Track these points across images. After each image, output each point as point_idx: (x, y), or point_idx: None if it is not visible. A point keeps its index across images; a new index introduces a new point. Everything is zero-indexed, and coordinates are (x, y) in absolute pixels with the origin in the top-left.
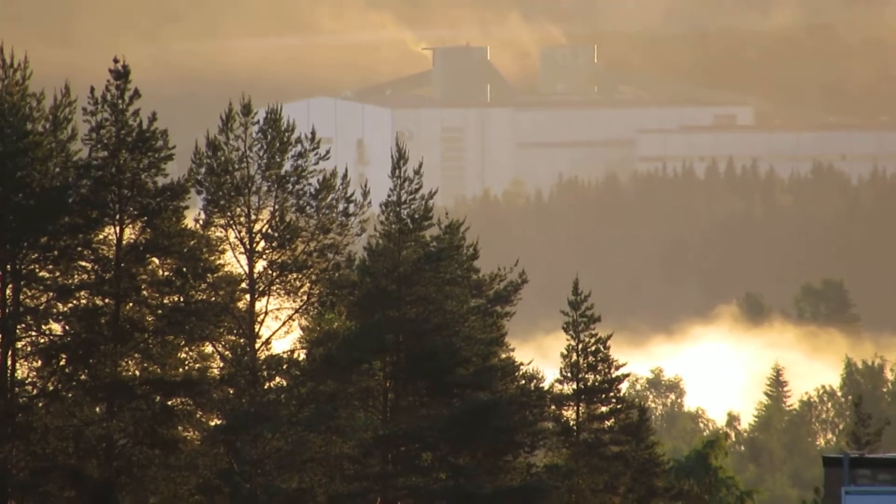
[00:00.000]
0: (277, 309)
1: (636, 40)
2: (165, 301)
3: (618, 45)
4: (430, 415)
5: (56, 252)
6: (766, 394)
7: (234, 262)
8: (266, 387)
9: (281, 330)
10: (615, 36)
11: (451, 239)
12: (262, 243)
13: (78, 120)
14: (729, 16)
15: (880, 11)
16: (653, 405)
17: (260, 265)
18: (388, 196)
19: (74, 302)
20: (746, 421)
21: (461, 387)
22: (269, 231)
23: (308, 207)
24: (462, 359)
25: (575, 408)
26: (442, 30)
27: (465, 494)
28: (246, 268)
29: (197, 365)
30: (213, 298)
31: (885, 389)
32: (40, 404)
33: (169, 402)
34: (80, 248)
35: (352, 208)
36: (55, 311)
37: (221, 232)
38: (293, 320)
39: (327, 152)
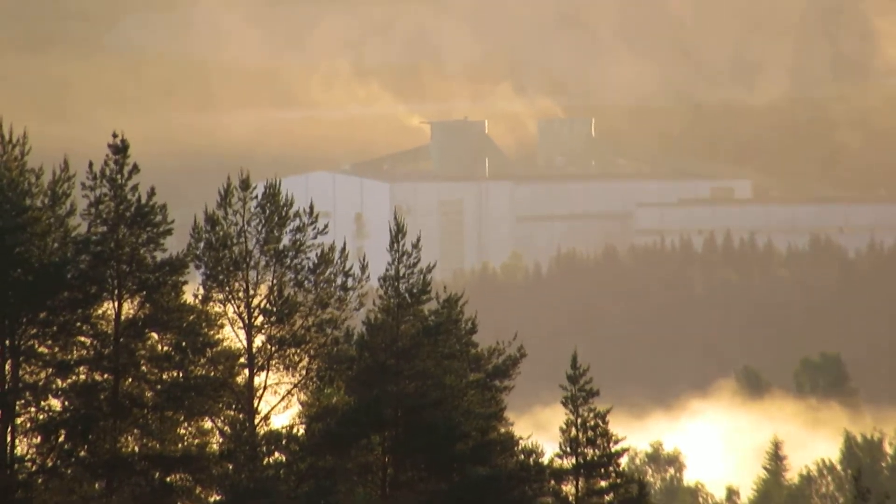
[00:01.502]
0: (276, 384)
1: (632, 113)
2: (164, 376)
3: (615, 118)
4: (430, 490)
5: (55, 327)
6: (765, 468)
7: (232, 336)
8: (265, 462)
9: (280, 405)
10: (612, 108)
11: (450, 313)
12: (261, 318)
13: (77, 195)
14: (721, 89)
15: (867, 85)
16: (652, 479)
17: (259, 340)
18: (387, 270)
19: (73, 377)
20: (746, 495)
21: (460, 461)
22: (268, 306)
23: (306, 282)
24: (461, 433)
25: (574, 483)
26: (434, 103)
27: None
28: (245, 342)
29: (196, 440)
30: (212, 373)
31: (884, 464)
32: (39, 481)
33: (168, 479)
34: (78, 324)
35: (350, 282)
36: (54, 386)
37: (220, 307)
38: (292, 395)
39: (326, 226)
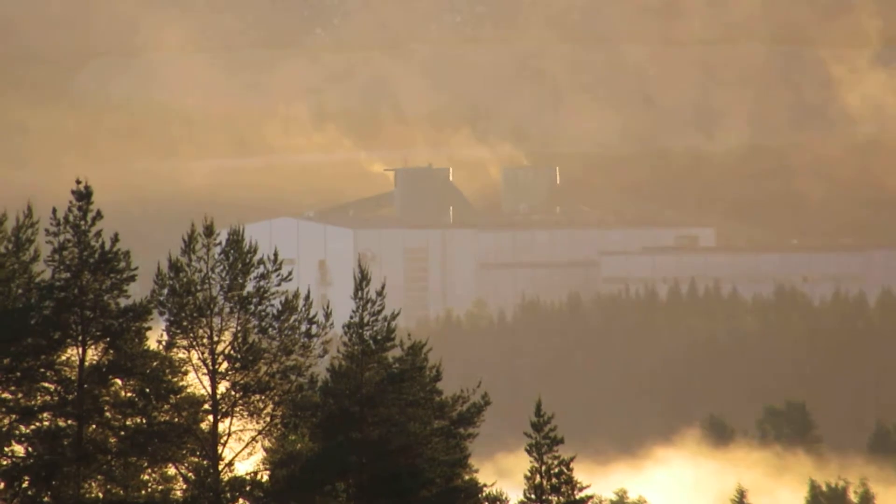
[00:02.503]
0: (241, 430)
1: (596, 161)
2: (128, 422)
3: (579, 166)
4: None
5: (18, 373)
6: None
7: (196, 383)
8: None
9: (244, 451)
10: (575, 157)
11: (414, 360)
12: (225, 364)
13: (40, 241)
14: (682, 136)
15: (828, 133)
16: None
17: (223, 386)
18: (351, 317)
19: (37, 423)
20: None
21: None
22: (232, 352)
23: (270, 329)
24: (426, 480)
25: None
26: (394, 150)
27: None
28: (209, 389)
29: (160, 487)
30: (177, 420)
31: None
32: None
33: None
34: (42, 370)
35: (314, 329)
36: (17, 432)
37: (184, 353)
38: (256, 441)
39: (290, 273)
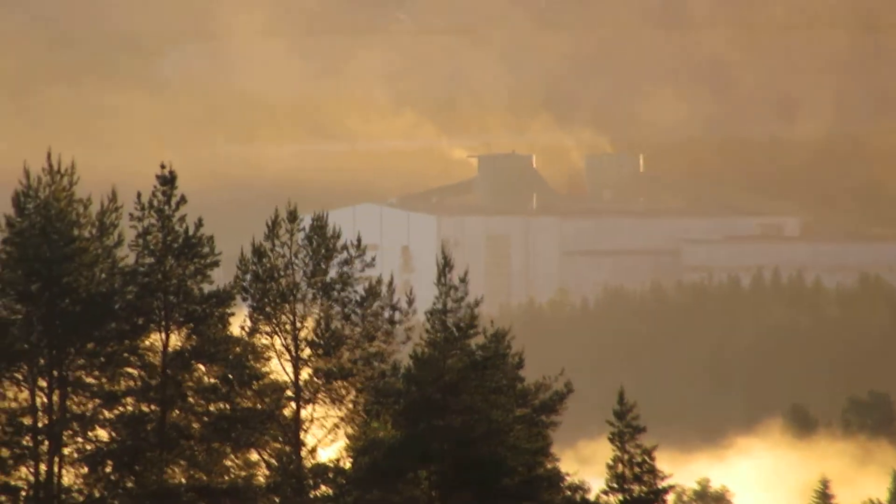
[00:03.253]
0: (323, 417)
1: (679, 148)
2: (211, 408)
3: (662, 153)
4: None
5: (102, 358)
6: None
7: (279, 369)
8: (312, 495)
9: (326, 438)
10: (658, 143)
11: (497, 347)
12: (308, 351)
13: (124, 226)
14: (764, 124)
15: None
16: None
17: (305, 373)
18: (434, 304)
19: (121, 408)
20: None
21: (507, 497)
22: (315, 339)
23: (353, 315)
24: (508, 469)
25: None
26: (475, 136)
27: None
28: (292, 375)
29: (243, 472)
30: (259, 406)
31: None
32: None
33: None
34: (126, 355)
35: (397, 316)
36: (101, 417)
37: (267, 339)
38: (339, 428)
39: (373, 259)
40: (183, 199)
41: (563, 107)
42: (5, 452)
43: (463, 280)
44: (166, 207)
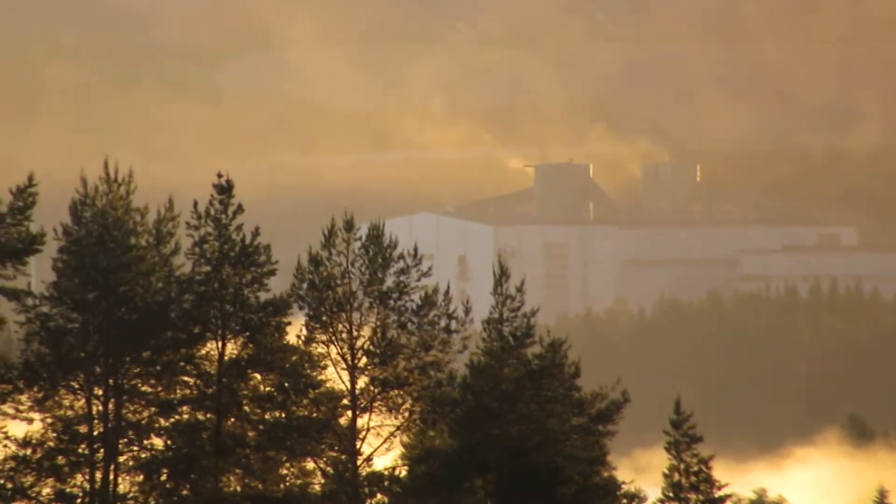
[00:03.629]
0: (379, 426)
1: (736, 158)
2: (267, 416)
3: (718, 163)
4: None
5: (158, 367)
6: None
7: (335, 378)
8: None
9: (382, 447)
10: (715, 153)
11: (553, 357)
12: (364, 359)
13: (181, 234)
14: (822, 134)
15: None
16: None
17: (362, 381)
18: (490, 313)
19: (176, 417)
20: None
21: None
22: (371, 347)
23: (410, 324)
24: (564, 478)
25: None
26: (532, 146)
27: None
28: (348, 384)
29: (298, 481)
30: (315, 414)
31: None
32: None
33: None
34: (182, 363)
35: (453, 325)
36: (157, 425)
37: (323, 348)
38: (395, 437)
39: (429, 269)
40: (240, 209)
41: (620, 116)
42: (61, 460)
43: (519, 290)
44: (223, 216)
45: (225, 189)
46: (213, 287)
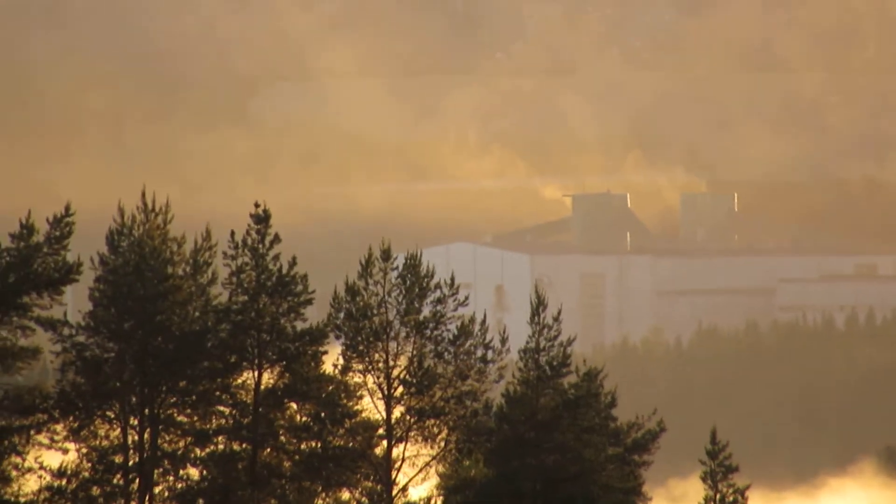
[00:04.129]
0: (415, 455)
1: (772, 187)
2: (303, 446)
3: (757, 193)
4: None
5: (194, 396)
6: None
7: (371, 407)
8: None
9: (418, 477)
10: (751, 183)
11: (590, 386)
12: (400, 389)
13: (218, 264)
14: (856, 164)
15: None
16: None
17: (398, 411)
18: (527, 343)
19: (212, 447)
20: None
21: None
22: (408, 377)
23: (446, 353)
24: None
25: None
26: (568, 174)
27: None
28: (384, 413)
29: None
30: (351, 444)
31: None
32: None
33: None
34: (218, 393)
35: (490, 355)
36: (193, 455)
37: (360, 377)
38: (430, 467)
39: (466, 298)
40: (277, 238)
41: (657, 146)
42: (96, 491)
43: (556, 319)
44: (260, 246)
45: (262, 219)
46: (249, 316)
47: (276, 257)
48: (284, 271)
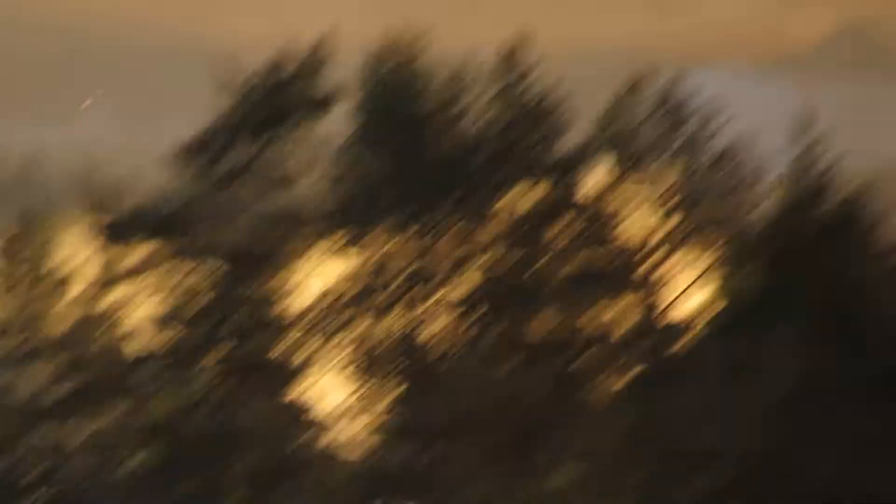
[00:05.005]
0: (688, 266)
1: None
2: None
3: None
4: None
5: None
6: None
7: (638, 222)
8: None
9: (690, 288)
10: None
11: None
12: (671, 201)
13: (478, 91)
14: None
15: None
16: None
17: (668, 224)
18: (797, 158)
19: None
20: None
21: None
22: (678, 193)
23: (716, 170)
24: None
25: None
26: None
27: None
28: (654, 227)
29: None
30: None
31: None
32: None
33: None
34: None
35: (759, 171)
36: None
37: (629, 191)
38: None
39: (729, 120)
40: (535, 66)
41: None
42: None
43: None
44: (515, 77)
45: (517, 50)
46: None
47: (530, 87)
48: (541, 99)
